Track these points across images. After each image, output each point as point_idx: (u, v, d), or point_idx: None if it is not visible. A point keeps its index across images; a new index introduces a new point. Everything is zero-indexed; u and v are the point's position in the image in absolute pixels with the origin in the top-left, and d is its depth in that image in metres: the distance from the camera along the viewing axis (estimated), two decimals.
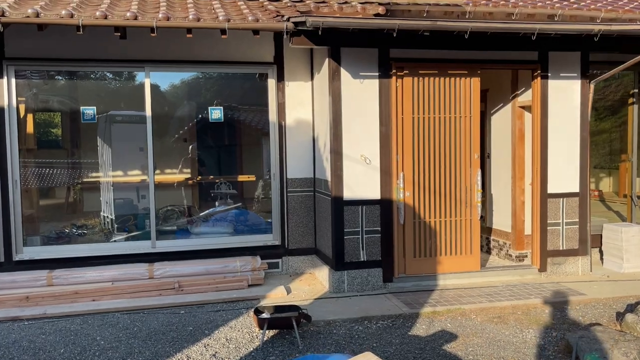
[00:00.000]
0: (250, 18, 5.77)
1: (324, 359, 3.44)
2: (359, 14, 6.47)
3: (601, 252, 7.31)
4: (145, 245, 6.73)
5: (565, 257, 6.71)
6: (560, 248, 6.70)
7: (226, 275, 6.30)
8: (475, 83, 6.38)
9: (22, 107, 6.81)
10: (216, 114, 7.07)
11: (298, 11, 6.33)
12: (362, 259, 6.14)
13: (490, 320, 5.21)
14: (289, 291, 6.16)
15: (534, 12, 7.24)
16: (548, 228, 6.64)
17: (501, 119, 7.42)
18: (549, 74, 6.55)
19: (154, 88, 6.93)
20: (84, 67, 6.81)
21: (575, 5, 7.60)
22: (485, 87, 7.14)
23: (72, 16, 5.35)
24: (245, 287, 6.21)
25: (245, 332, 4.96)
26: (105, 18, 5.40)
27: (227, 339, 4.79)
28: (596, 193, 8.77)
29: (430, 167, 6.34)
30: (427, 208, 6.36)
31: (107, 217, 7.83)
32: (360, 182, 6.10)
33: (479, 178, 6.45)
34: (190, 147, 8.52)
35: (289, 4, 6.74)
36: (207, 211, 7.97)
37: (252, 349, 4.57)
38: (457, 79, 6.34)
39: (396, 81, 6.18)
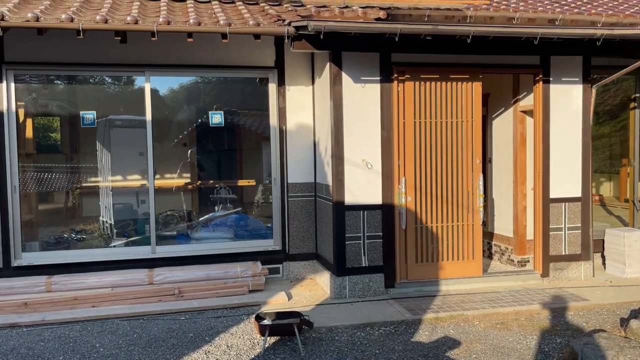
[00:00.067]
0: (251, 22, 5.75)
1: None
2: (360, 18, 6.46)
3: (603, 257, 7.28)
4: (145, 250, 6.69)
5: (568, 262, 6.68)
6: (563, 253, 6.67)
7: (227, 281, 6.26)
8: (476, 87, 6.36)
9: (21, 112, 6.77)
10: (216, 118, 7.04)
11: (299, 15, 6.31)
12: (363, 265, 6.10)
13: (494, 327, 5.17)
14: (290, 297, 6.11)
15: (535, 17, 7.25)
16: (550, 233, 6.62)
17: (502, 124, 7.40)
18: (551, 79, 6.53)
19: (154, 92, 6.89)
20: (84, 72, 6.77)
21: (575, 10, 7.60)
22: (486, 91, 7.12)
23: (72, 20, 5.32)
24: (246, 292, 6.16)
25: (246, 338, 4.92)
26: (106, 22, 5.38)
27: (228, 346, 4.75)
28: (597, 198, 8.73)
29: (432, 172, 6.31)
30: (429, 213, 6.32)
31: (107, 222, 7.78)
32: (362, 186, 6.07)
33: (481, 183, 6.42)
34: (190, 151, 8.49)
35: (290, 9, 6.72)
36: (207, 216, 7.93)
37: (253, 356, 4.53)
38: (459, 83, 6.32)
39: (398, 85, 6.15)
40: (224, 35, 5.60)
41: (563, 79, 6.58)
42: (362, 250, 6.09)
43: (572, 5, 7.95)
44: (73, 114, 8.00)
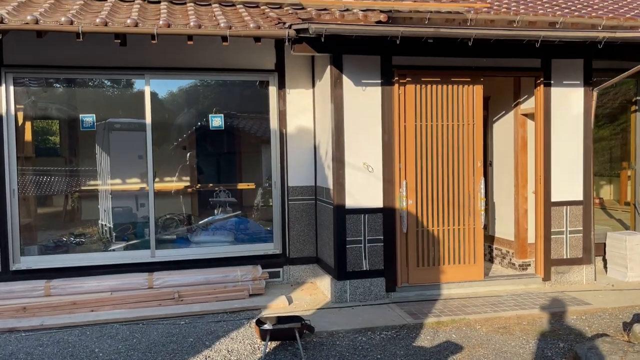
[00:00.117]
0: (251, 25, 5.72)
1: None
2: (361, 21, 6.44)
3: (605, 260, 7.25)
4: (145, 254, 6.64)
5: (569, 266, 6.65)
6: (564, 257, 6.64)
7: (227, 285, 6.22)
8: (478, 90, 6.35)
9: (20, 115, 6.74)
10: (216, 121, 7.01)
11: (300, 18, 6.28)
12: (364, 268, 6.07)
13: (496, 331, 5.14)
14: (290, 301, 6.07)
15: (536, 20, 7.24)
16: (552, 236, 6.59)
17: (503, 127, 7.38)
18: (552, 82, 6.52)
19: (154, 95, 6.87)
20: (84, 75, 6.75)
21: (576, 13, 7.60)
22: (487, 94, 7.09)
23: (71, 23, 5.29)
24: (246, 296, 6.13)
25: (246, 343, 4.88)
26: (106, 25, 5.35)
27: (228, 351, 4.71)
28: (597, 201, 8.72)
29: (433, 175, 6.28)
30: (430, 216, 6.29)
31: (106, 225, 7.75)
32: (363, 190, 6.04)
33: (482, 186, 6.40)
34: (190, 154, 8.47)
35: (290, 12, 6.70)
36: (206, 219, 7.90)
37: None
38: (460, 86, 6.31)
39: (399, 89, 6.13)
40: (224, 38, 5.57)
41: (564, 82, 6.57)
42: (363, 254, 6.06)
43: (572, 8, 7.95)
44: (72, 117, 7.98)
